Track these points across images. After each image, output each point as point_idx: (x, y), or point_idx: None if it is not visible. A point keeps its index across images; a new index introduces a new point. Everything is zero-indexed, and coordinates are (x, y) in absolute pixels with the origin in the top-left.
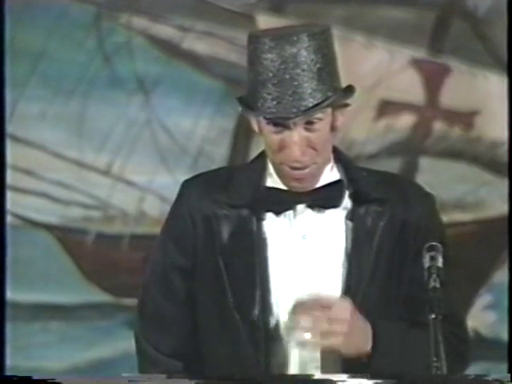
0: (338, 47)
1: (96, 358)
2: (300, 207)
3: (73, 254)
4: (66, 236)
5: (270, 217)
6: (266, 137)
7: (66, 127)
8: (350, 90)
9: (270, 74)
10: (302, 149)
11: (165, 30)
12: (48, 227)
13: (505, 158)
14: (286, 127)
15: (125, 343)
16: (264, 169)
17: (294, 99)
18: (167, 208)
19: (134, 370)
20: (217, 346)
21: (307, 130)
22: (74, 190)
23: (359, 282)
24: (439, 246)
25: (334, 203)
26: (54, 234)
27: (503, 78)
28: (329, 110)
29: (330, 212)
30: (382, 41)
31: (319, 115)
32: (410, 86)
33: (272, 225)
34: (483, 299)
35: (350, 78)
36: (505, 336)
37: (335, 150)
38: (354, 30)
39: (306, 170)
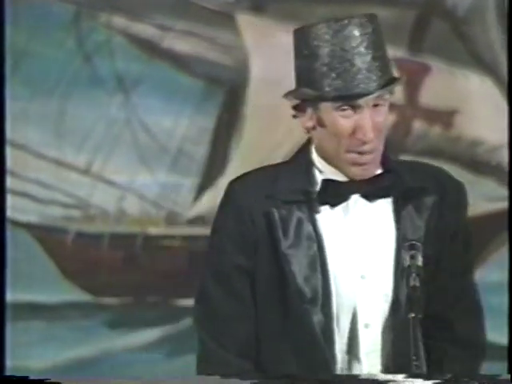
0: None
1: (77, 358)
2: (354, 198)
3: (53, 253)
4: (46, 235)
5: (324, 210)
6: (332, 125)
7: (46, 126)
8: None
9: (336, 58)
10: (373, 131)
11: (145, 29)
12: (28, 226)
13: (484, 156)
14: (357, 109)
15: (105, 342)
16: (311, 164)
17: (364, 79)
18: (147, 207)
19: (114, 369)
20: (280, 342)
21: (374, 112)
22: (54, 190)
23: (408, 272)
24: (419, 244)
25: (386, 193)
26: (33, 233)
27: (483, 77)
28: (389, 95)
29: (380, 202)
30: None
31: (386, 96)
32: None
33: (326, 217)
34: None
35: None
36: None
37: None
38: None
39: (372, 155)
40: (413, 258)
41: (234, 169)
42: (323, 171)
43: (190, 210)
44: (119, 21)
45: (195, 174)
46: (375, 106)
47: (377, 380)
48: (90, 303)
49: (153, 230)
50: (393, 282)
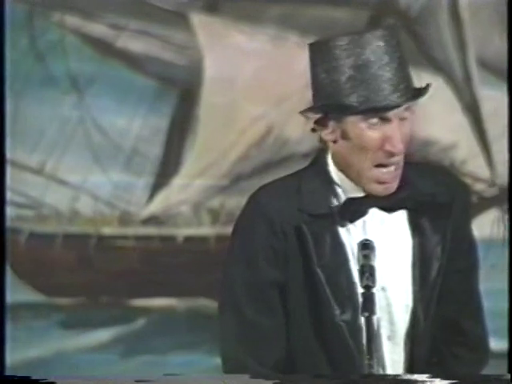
0: (272, 47)
1: (30, 358)
2: (372, 211)
3: (6, 253)
4: None
5: (347, 224)
6: (358, 138)
7: None
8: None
9: (359, 72)
10: (402, 143)
11: (98, 29)
12: None
13: (437, 156)
14: (386, 121)
15: (59, 343)
16: (329, 177)
17: (401, 87)
18: (101, 207)
19: (67, 369)
20: (315, 356)
21: (401, 125)
22: (7, 189)
23: (426, 281)
24: (373, 244)
25: (403, 204)
26: None
27: (436, 77)
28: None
29: (396, 214)
30: (315, 40)
31: (412, 108)
32: None
33: (348, 231)
34: None
35: (284, 77)
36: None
37: None
38: (288, 30)
39: (398, 171)
40: (366, 257)
41: (188, 169)
42: (341, 185)
43: (143, 209)
44: (72, 20)
45: (149, 174)
46: (402, 118)
47: (400, 379)
48: (43, 303)
49: (106, 230)
50: (412, 292)
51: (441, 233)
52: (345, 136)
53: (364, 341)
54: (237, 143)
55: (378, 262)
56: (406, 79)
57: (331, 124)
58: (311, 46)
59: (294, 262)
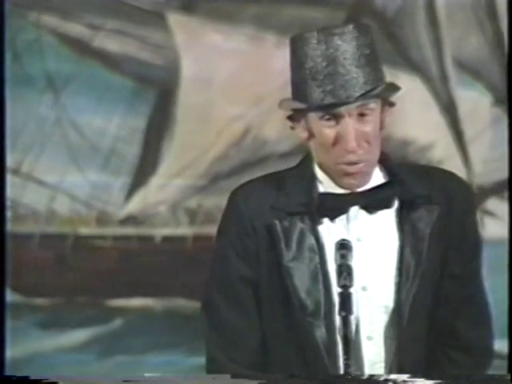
0: (249, 46)
1: (7, 358)
2: (353, 210)
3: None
4: None
5: (325, 222)
6: (319, 135)
7: None
8: (395, 86)
9: (321, 67)
10: (357, 140)
11: (75, 28)
12: None
13: (415, 156)
14: (340, 118)
15: (36, 343)
16: (313, 175)
17: (348, 87)
18: (78, 207)
19: (44, 370)
20: (287, 353)
21: (360, 122)
22: None
23: (412, 283)
24: (350, 243)
25: (386, 204)
26: None
27: (413, 77)
28: (379, 104)
29: (381, 213)
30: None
31: (372, 105)
32: None
33: (328, 229)
34: None
35: (262, 77)
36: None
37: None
38: (265, 29)
39: (361, 165)
40: (343, 257)
41: (166, 169)
42: (323, 182)
43: (121, 209)
44: (49, 20)
45: (126, 174)
46: (361, 115)
47: (377, 380)
48: (21, 304)
49: (84, 230)
50: (394, 292)
51: (429, 236)
52: (311, 133)
53: (340, 340)
54: (215, 143)
55: (361, 261)
56: (366, 77)
57: (302, 121)
58: (289, 40)
59: (265, 260)
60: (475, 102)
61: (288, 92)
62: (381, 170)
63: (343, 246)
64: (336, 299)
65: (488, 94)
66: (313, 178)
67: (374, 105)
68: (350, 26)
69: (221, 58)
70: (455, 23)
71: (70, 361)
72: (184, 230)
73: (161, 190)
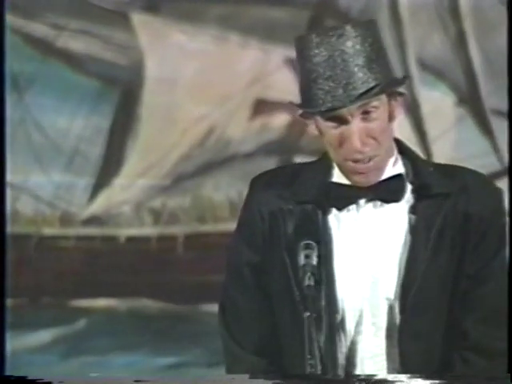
0: (213, 46)
1: None
2: (362, 202)
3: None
4: None
5: (334, 211)
6: (326, 135)
7: None
8: (402, 78)
9: (320, 70)
10: (362, 139)
11: (39, 28)
12: None
13: None
14: (344, 120)
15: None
16: (330, 166)
17: (346, 90)
18: (41, 207)
19: (8, 370)
20: (290, 341)
21: (365, 120)
22: None
23: (415, 276)
24: (314, 244)
25: (395, 197)
26: None
27: None
28: (384, 99)
29: (392, 206)
30: (257, 40)
31: (375, 103)
32: (285, 85)
33: (336, 219)
34: None
35: (226, 77)
36: None
37: (398, 143)
38: (229, 30)
39: (370, 163)
40: (307, 257)
41: (130, 169)
42: (339, 174)
43: (84, 209)
44: (13, 19)
45: (90, 174)
46: (366, 113)
47: (377, 380)
48: None
49: (47, 231)
50: (396, 286)
51: (439, 231)
52: (320, 132)
53: (305, 341)
54: (179, 143)
55: (367, 253)
56: (365, 77)
57: (312, 120)
58: (294, 41)
59: (268, 246)
60: (438, 102)
61: (252, 91)
62: (403, 162)
63: (307, 246)
64: (338, 291)
65: (451, 94)
66: (329, 169)
67: (377, 102)
68: (349, 26)
69: (185, 58)
70: (418, 23)
71: (33, 361)
72: (148, 230)
73: (125, 190)
